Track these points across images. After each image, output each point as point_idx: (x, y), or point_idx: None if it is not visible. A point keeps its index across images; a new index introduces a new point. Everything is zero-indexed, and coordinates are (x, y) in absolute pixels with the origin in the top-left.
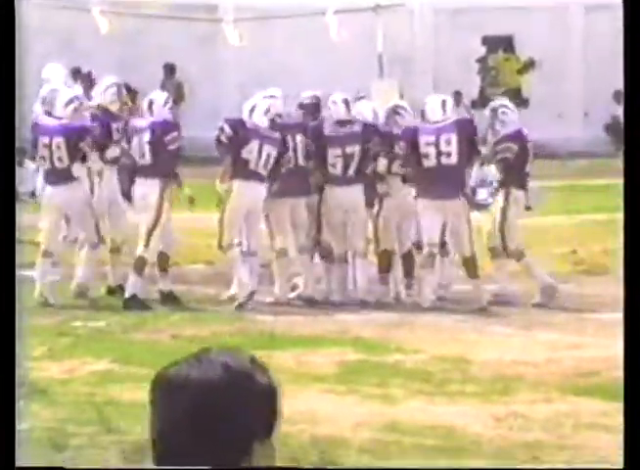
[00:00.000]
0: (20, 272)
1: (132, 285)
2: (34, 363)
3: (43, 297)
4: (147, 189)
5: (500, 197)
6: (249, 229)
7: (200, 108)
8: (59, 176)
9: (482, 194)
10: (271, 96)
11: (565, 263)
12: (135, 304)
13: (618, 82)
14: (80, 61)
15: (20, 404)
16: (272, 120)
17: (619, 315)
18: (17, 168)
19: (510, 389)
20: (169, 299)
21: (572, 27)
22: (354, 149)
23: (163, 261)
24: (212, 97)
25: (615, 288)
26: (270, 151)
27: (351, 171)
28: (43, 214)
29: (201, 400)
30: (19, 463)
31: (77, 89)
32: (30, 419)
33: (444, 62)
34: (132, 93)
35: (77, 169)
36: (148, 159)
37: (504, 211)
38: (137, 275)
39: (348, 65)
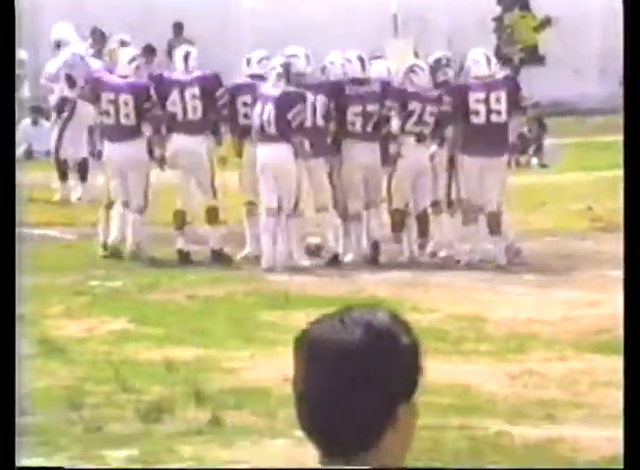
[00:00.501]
0: (35, 231)
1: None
2: (52, 321)
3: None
4: (192, 145)
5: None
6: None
7: (211, 68)
8: (123, 133)
9: None
10: (292, 55)
11: (581, 220)
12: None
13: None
14: (90, 20)
15: (37, 362)
16: (289, 80)
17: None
18: (31, 127)
19: (526, 347)
20: (220, 257)
21: None
22: (374, 107)
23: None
24: (225, 56)
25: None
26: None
27: (369, 129)
28: (106, 170)
29: (344, 362)
30: (35, 420)
31: (88, 49)
32: (48, 377)
33: (459, 21)
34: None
35: (146, 128)
36: (198, 114)
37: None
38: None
39: (363, 24)
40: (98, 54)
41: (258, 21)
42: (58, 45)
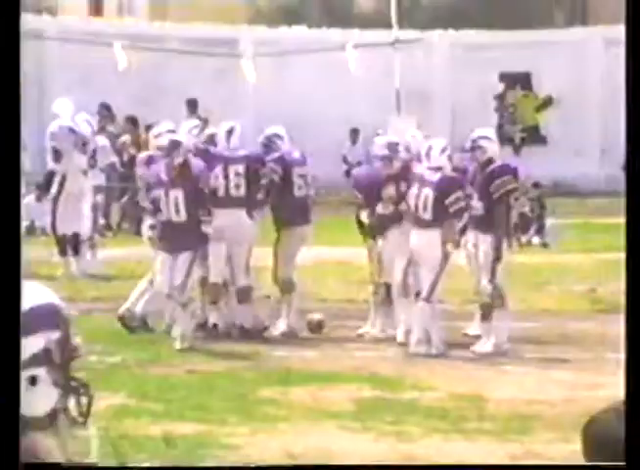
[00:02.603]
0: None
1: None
2: None
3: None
4: (237, 219)
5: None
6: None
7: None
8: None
9: None
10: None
11: (583, 302)
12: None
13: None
14: (99, 96)
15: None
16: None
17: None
18: (35, 203)
19: (526, 428)
20: (249, 334)
21: (590, 63)
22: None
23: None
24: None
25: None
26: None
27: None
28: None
29: None
30: None
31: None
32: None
33: (462, 98)
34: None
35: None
36: (241, 191)
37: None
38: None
39: (367, 100)
40: (102, 130)
41: (262, 97)
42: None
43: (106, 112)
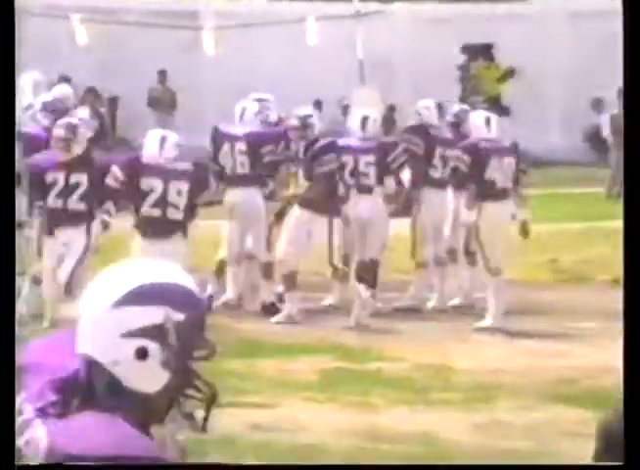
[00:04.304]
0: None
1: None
2: None
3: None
4: (246, 197)
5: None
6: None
7: (181, 115)
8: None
9: None
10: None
11: (545, 272)
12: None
13: (598, 90)
14: (61, 69)
15: None
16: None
17: (594, 324)
18: None
19: (490, 396)
20: (271, 310)
21: (552, 35)
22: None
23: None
24: (192, 105)
25: (594, 297)
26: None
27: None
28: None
29: None
30: None
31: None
32: None
33: (425, 69)
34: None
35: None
36: (246, 169)
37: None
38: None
39: (330, 72)
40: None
41: (225, 68)
42: None
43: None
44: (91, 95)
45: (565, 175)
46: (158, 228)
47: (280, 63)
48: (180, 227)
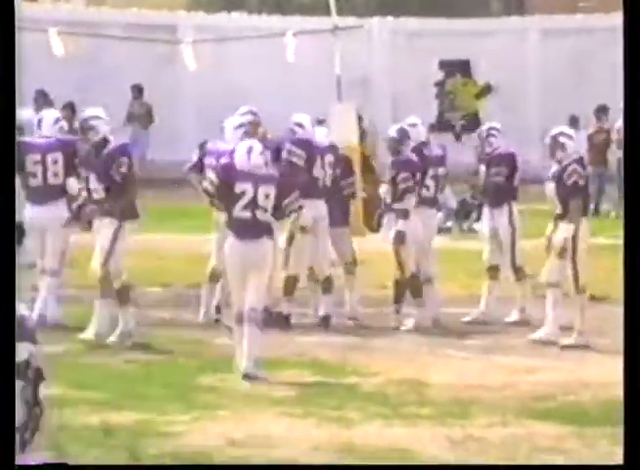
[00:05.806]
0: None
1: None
2: None
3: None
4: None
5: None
6: None
7: (159, 130)
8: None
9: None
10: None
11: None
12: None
13: (574, 108)
14: (36, 83)
15: None
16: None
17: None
18: None
19: (466, 412)
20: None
21: (528, 52)
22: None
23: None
24: (171, 119)
25: (571, 313)
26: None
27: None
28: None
29: None
30: None
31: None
32: None
33: (403, 85)
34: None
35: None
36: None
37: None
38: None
39: (307, 87)
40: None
41: (203, 83)
42: None
43: (42, 99)
44: (69, 110)
45: (541, 192)
46: (248, 230)
47: (257, 78)
48: (267, 229)
